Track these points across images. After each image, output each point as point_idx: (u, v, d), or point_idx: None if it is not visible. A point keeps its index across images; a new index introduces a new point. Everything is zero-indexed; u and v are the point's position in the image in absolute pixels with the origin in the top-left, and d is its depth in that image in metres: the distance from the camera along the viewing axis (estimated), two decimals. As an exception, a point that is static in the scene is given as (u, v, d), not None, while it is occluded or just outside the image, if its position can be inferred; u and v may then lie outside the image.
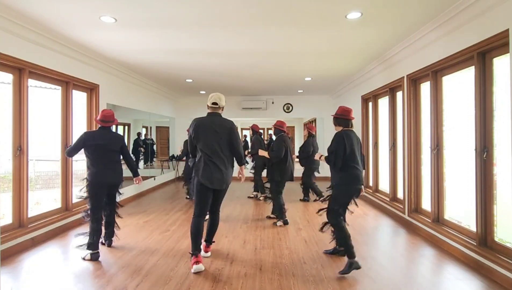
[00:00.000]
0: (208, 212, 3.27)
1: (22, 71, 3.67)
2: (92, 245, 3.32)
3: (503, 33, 2.70)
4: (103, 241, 3.69)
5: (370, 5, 3.20)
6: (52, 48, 4.06)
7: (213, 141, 3.09)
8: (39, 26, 3.68)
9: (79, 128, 4.94)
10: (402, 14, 3.43)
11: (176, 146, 9.64)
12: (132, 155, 4.16)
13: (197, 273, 2.98)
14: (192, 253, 3.08)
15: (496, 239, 2.96)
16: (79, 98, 4.92)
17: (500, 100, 2.93)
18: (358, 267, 2.94)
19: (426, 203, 4.19)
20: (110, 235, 3.71)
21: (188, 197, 6.59)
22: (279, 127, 4.80)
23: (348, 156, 3.05)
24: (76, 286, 2.75)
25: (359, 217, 5.08)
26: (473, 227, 3.23)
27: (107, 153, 3.45)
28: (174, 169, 9.52)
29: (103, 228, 3.54)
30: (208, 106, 3.28)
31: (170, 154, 9.27)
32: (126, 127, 7.24)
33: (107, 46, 4.55)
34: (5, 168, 3.80)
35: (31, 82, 3.88)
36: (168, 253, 3.51)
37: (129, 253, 3.49)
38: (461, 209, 3.67)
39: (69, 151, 3.41)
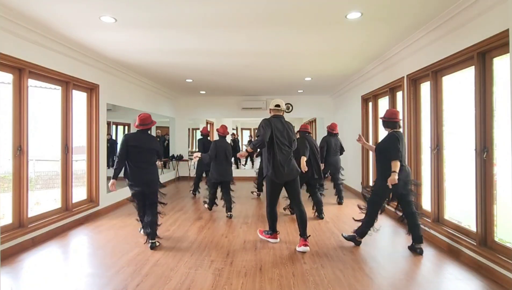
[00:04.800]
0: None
1: (22, 71, 3.67)
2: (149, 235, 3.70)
3: (503, 33, 2.69)
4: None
5: (370, 5, 3.20)
6: (52, 48, 4.06)
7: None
8: (39, 26, 3.68)
9: (79, 128, 4.94)
10: (402, 14, 3.43)
11: (176, 146, 9.65)
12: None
13: (198, 271, 2.99)
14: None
15: (496, 239, 2.96)
16: (80, 98, 4.92)
17: (500, 100, 2.93)
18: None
19: (426, 203, 4.19)
20: (151, 235, 3.70)
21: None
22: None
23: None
24: (76, 286, 2.75)
25: (359, 217, 5.07)
26: (473, 227, 3.23)
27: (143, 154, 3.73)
28: (174, 169, 9.52)
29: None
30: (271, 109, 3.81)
31: (170, 154, 9.26)
32: (126, 127, 7.24)
33: (107, 46, 4.55)
34: (5, 168, 3.79)
35: (31, 82, 3.88)
36: (168, 253, 3.51)
37: (129, 253, 3.49)
38: (461, 209, 3.67)
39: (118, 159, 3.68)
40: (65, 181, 4.49)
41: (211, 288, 2.70)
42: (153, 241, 3.66)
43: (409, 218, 3.51)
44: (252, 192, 7.06)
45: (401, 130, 3.59)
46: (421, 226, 3.54)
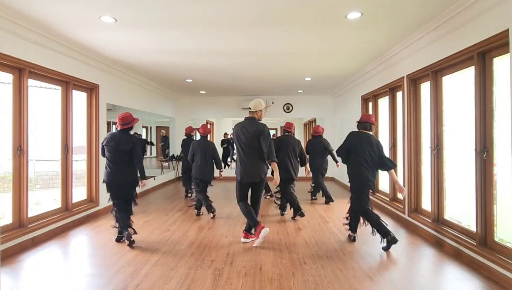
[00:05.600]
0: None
1: (22, 71, 3.67)
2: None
3: (503, 33, 2.69)
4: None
5: (370, 5, 3.20)
6: (52, 48, 4.06)
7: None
8: (39, 26, 3.68)
9: (79, 128, 4.94)
10: (402, 14, 3.43)
11: (177, 146, 9.64)
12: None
13: (198, 271, 3.00)
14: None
15: (496, 239, 2.96)
16: (80, 98, 4.92)
17: (500, 100, 2.93)
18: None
19: (426, 203, 4.19)
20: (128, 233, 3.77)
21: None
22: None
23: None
24: (76, 286, 2.75)
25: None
26: (473, 227, 3.23)
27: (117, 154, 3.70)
28: (174, 169, 9.52)
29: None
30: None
31: (170, 154, 9.26)
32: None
33: (107, 46, 4.55)
34: (5, 168, 3.80)
35: (31, 82, 3.88)
36: (168, 253, 3.51)
37: (129, 253, 3.49)
38: (461, 209, 3.67)
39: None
40: (65, 181, 4.49)
41: (211, 288, 2.70)
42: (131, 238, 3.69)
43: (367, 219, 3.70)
44: (265, 197, 6.73)
45: (371, 133, 3.81)
46: (382, 223, 3.58)
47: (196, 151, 5.09)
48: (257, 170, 3.75)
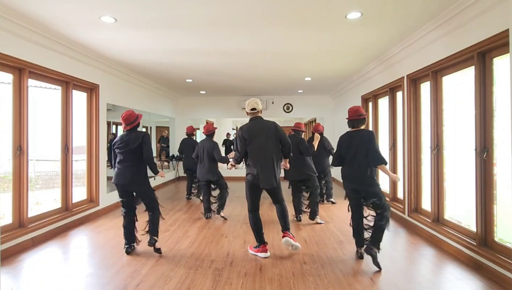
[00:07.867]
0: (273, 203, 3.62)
1: (22, 71, 3.67)
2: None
3: (503, 33, 2.69)
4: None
5: (370, 5, 3.20)
6: (52, 48, 4.06)
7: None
8: (39, 26, 3.68)
9: (79, 128, 4.95)
10: (402, 14, 3.43)
11: (176, 146, 9.64)
12: None
13: (198, 271, 3.00)
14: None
15: (496, 239, 2.96)
16: (80, 98, 4.92)
17: (500, 100, 2.93)
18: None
19: (426, 203, 4.19)
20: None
21: None
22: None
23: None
24: (76, 286, 2.75)
25: (359, 217, 5.07)
26: (473, 227, 3.23)
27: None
28: (174, 169, 9.52)
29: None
30: (247, 112, 3.59)
31: (170, 154, 9.26)
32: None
33: (107, 46, 4.55)
34: (5, 168, 3.80)
35: (31, 82, 3.88)
36: (168, 253, 3.51)
37: (129, 253, 3.49)
38: (461, 209, 3.67)
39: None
40: (65, 181, 4.49)
41: (211, 288, 2.70)
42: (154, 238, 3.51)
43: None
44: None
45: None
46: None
47: (199, 151, 5.11)
48: (275, 173, 3.39)
